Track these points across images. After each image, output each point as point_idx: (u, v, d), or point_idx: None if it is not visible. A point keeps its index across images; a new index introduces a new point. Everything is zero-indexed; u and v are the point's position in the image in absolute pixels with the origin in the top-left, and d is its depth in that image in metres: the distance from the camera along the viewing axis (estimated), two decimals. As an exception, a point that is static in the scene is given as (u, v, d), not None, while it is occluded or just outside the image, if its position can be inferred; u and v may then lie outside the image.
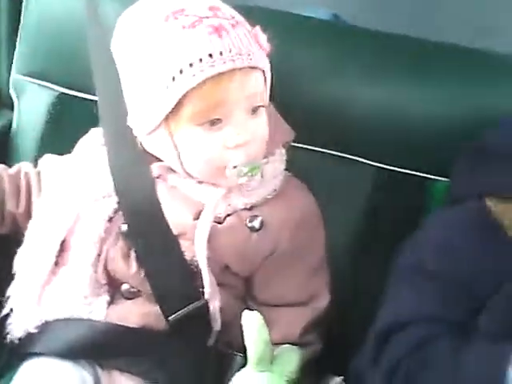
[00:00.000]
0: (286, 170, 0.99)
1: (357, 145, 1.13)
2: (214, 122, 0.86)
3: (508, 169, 0.82)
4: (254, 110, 0.89)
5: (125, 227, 0.91)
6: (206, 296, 0.89)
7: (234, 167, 0.87)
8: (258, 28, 0.90)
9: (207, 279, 0.89)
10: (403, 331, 0.79)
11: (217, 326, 0.91)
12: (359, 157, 1.12)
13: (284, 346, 0.89)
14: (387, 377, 0.78)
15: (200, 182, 0.92)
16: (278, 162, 0.96)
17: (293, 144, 1.03)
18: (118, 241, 0.92)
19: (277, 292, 0.95)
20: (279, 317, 0.92)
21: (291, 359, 0.87)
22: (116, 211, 0.92)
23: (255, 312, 0.82)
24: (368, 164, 1.12)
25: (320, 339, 0.95)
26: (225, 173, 0.88)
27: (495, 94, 1.07)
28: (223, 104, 0.85)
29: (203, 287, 0.89)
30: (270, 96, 0.96)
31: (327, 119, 1.12)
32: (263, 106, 0.90)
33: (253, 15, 1.16)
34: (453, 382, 0.74)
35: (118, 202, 0.92)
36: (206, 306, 0.89)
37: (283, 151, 0.98)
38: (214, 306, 0.90)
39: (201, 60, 0.83)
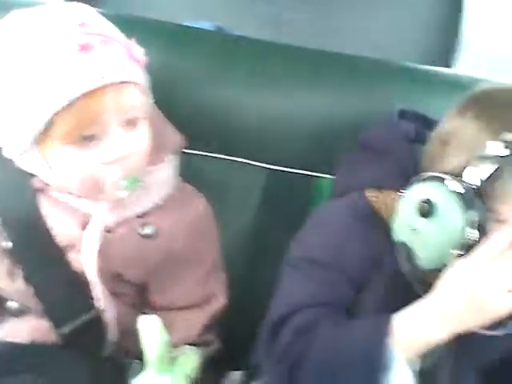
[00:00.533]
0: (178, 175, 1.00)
1: (246, 148, 1.16)
2: (88, 139, 0.84)
3: (383, 163, 0.87)
4: (132, 123, 0.88)
5: (9, 244, 0.89)
6: (100, 306, 0.89)
7: (112, 182, 0.86)
8: (132, 41, 0.90)
9: (99, 289, 0.89)
10: (292, 318, 0.82)
11: (113, 335, 0.91)
12: (250, 160, 1.16)
13: (183, 346, 0.91)
14: (279, 363, 0.81)
15: (80, 196, 0.91)
16: (167, 169, 0.97)
17: (184, 150, 1.05)
18: (3, 258, 0.90)
19: (173, 296, 0.96)
20: (177, 320, 0.93)
21: (191, 359, 0.89)
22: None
23: (151, 315, 0.83)
24: (258, 166, 1.16)
25: (218, 338, 0.98)
26: (104, 188, 0.87)
27: (371, 96, 1.14)
28: (96, 121, 0.84)
29: (95, 298, 0.89)
30: (160, 105, 0.97)
31: (216, 125, 1.15)
32: (143, 118, 0.90)
33: (137, 26, 1.19)
34: (337, 357, 0.77)
35: (1, 220, 0.90)
36: (98, 316, 0.89)
37: (173, 158, 0.99)
38: (109, 315, 0.90)
39: (69, 78, 0.81)
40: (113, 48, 0.85)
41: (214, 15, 1.68)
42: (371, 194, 0.86)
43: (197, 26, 1.64)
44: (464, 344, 0.80)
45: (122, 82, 0.85)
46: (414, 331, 0.76)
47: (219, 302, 0.99)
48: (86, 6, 0.91)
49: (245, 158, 1.16)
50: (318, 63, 1.18)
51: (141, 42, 0.93)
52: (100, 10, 0.95)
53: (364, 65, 1.19)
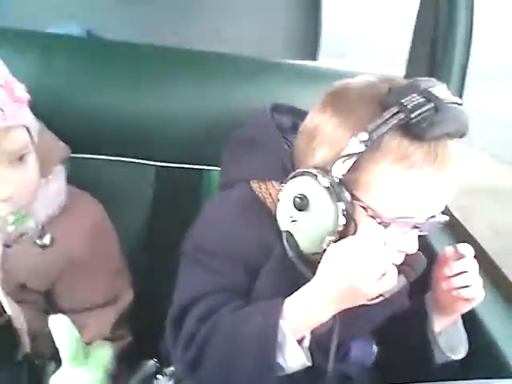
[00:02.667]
0: (68, 182, 1.02)
1: (135, 148, 1.20)
2: None
3: (263, 156, 0.93)
4: (19, 160, 0.89)
5: None
6: (9, 315, 0.91)
7: (1, 218, 0.87)
8: (13, 80, 0.89)
9: (5, 300, 0.90)
10: (193, 308, 0.85)
11: (25, 339, 0.93)
12: (138, 159, 1.21)
13: (96, 342, 0.95)
14: (184, 351, 0.85)
15: None
16: (58, 180, 0.99)
17: (72, 155, 1.07)
18: None
19: (81, 298, 1.00)
20: (88, 320, 0.97)
21: (104, 353, 0.93)
22: None
23: (60, 315, 0.86)
24: (147, 164, 1.21)
25: (131, 331, 1.02)
26: None
27: (251, 91, 1.21)
28: None
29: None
30: (43, 114, 0.98)
31: (102, 128, 1.18)
32: (29, 152, 0.90)
33: (9, 37, 1.19)
34: (236, 340, 0.81)
35: None
36: (8, 323, 0.91)
37: (62, 168, 1.01)
38: (19, 323, 0.92)
39: None
40: None
41: (81, 18, 1.69)
42: (256, 186, 0.91)
43: (66, 30, 1.66)
44: (348, 314, 0.87)
45: (7, 127, 0.85)
46: (303, 312, 0.81)
47: (125, 299, 1.04)
48: None
49: (133, 158, 1.20)
50: (199, 63, 1.25)
51: (15, 54, 0.93)
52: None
53: (243, 63, 1.26)
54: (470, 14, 1.15)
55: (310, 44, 1.90)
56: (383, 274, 0.80)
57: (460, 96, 1.20)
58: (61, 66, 1.18)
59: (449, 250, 0.90)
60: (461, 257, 0.89)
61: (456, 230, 1.17)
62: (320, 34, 1.89)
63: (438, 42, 1.20)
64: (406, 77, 1.22)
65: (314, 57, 1.88)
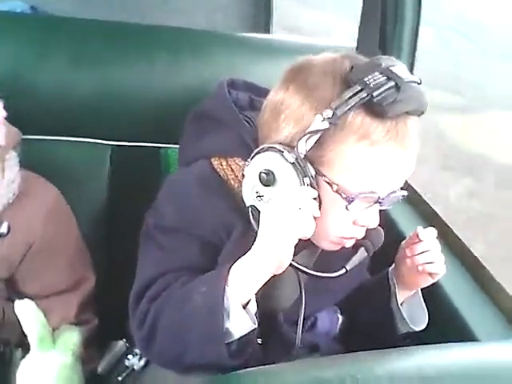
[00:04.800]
0: (21, 166, 1.00)
1: (88, 128, 1.18)
2: None
3: (223, 133, 0.92)
4: None
5: None
6: None
7: None
8: None
9: None
10: (148, 289, 0.86)
11: None
12: (94, 138, 1.18)
13: (63, 326, 0.95)
14: (138, 329, 0.86)
15: None
16: (11, 167, 0.97)
17: (25, 137, 1.04)
18: None
19: (44, 283, 0.99)
20: (52, 305, 0.96)
21: (72, 336, 0.93)
22: None
23: (26, 300, 0.87)
24: (103, 144, 1.19)
25: (96, 314, 1.02)
26: None
27: (205, 67, 1.19)
28: None
29: None
30: None
31: (52, 108, 1.15)
32: None
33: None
34: (183, 312, 0.82)
35: None
36: None
37: (14, 154, 0.99)
38: None
39: None
40: None
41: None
42: (217, 162, 0.92)
43: (10, 6, 1.60)
44: (313, 288, 0.90)
45: None
46: (245, 276, 0.81)
47: (88, 282, 1.04)
48: None
49: (87, 138, 1.18)
50: (149, 37, 1.22)
51: None
52: None
53: (195, 37, 1.25)
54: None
55: (263, 16, 1.89)
56: (302, 224, 0.80)
57: (411, 69, 1.23)
58: (6, 46, 1.14)
59: (413, 233, 0.94)
60: (424, 238, 0.93)
61: (418, 205, 1.21)
62: (273, 7, 1.88)
63: (388, 14, 1.22)
64: (357, 49, 1.24)
65: (267, 30, 1.88)
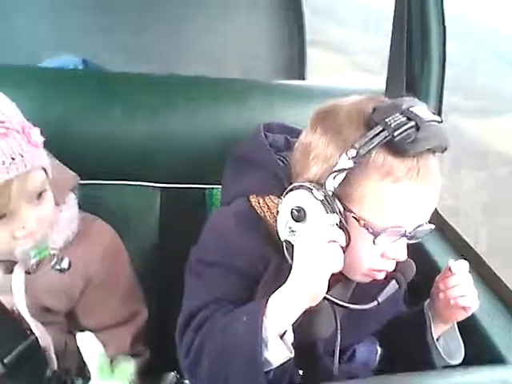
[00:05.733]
0: (79, 209, 1.09)
1: (138, 172, 1.28)
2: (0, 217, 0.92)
3: (259, 173, 1.00)
4: (38, 197, 0.96)
5: None
6: (36, 335, 0.99)
7: (22, 251, 0.95)
8: (28, 125, 0.95)
9: (32, 323, 0.99)
10: (193, 319, 0.93)
11: (52, 358, 1.01)
12: (144, 181, 1.28)
13: (119, 357, 1.02)
14: (184, 358, 0.93)
15: None
16: (71, 208, 1.06)
17: (82, 182, 1.14)
18: None
19: (100, 317, 1.07)
20: (108, 337, 1.03)
21: (128, 366, 1.01)
22: None
23: (87, 332, 0.95)
24: (152, 186, 1.29)
25: (149, 346, 1.10)
26: (15, 255, 0.95)
27: (243, 113, 1.29)
28: (5, 205, 0.91)
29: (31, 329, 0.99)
30: (52, 145, 1.02)
31: (106, 154, 1.25)
32: (46, 190, 0.97)
33: (8, 74, 1.25)
34: (226, 341, 0.88)
35: None
36: (35, 343, 0.99)
37: (73, 196, 1.08)
38: (44, 342, 1.00)
39: None
40: (12, 139, 0.91)
41: (75, 47, 1.77)
42: (254, 200, 0.98)
43: (63, 60, 1.74)
44: (348, 320, 0.96)
45: (26, 171, 0.92)
46: (282, 308, 0.87)
47: (141, 315, 1.12)
48: None
49: (138, 181, 1.28)
50: (191, 88, 1.32)
51: (15, 90, 0.98)
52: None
53: (234, 86, 1.35)
54: (443, 31, 1.24)
55: (297, 64, 1.98)
56: (333, 258, 0.86)
57: (440, 109, 1.29)
58: (63, 99, 1.25)
59: (446, 268, 0.98)
60: (456, 272, 0.97)
61: (450, 236, 1.25)
62: (306, 55, 1.97)
63: (414, 55, 1.28)
64: (386, 90, 1.30)
65: (302, 76, 1.97)
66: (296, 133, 1.05)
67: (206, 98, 1.31)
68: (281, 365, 0.88)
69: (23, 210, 0.94)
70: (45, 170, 0.97)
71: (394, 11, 1.25)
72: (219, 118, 1.29)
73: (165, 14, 1.93)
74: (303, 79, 1.97)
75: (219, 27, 1.94)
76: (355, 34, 4.41)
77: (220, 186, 1.17)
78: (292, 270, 0.88)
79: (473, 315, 1.00)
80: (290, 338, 0.89)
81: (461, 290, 0.97)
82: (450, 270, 0.98)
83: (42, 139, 0.97)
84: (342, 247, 0.88)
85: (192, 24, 1.94)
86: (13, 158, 0.90)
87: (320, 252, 0.86)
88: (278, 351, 0.87)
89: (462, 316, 0.99)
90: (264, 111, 1.29)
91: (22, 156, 0.91)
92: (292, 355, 0.88)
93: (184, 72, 1.37)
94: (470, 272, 0.98)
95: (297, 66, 1.96)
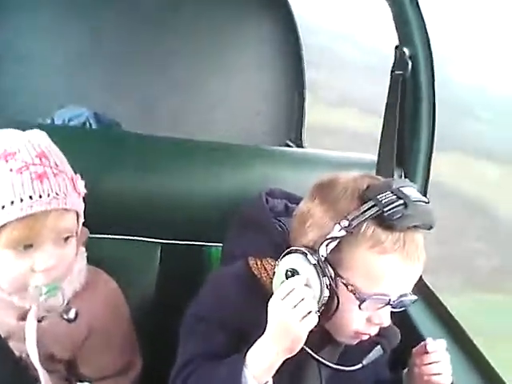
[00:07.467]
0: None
1: (140, 228, 1.35)
2: (26, 247, 0.98)
3: (258, 237, 1.07)
4: (64, 240, 1.02)
5: None
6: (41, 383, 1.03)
7: (36, 287, 1.00)
8: (77, 176, 1.05)
9: (40, 370, 1.03)
10: (182, 371, 1.00)
11: None
12: (145, 237, 1.35)
13: None
14: None
15: (10, 294, 1.03)
16: (81, 260, 1.12)
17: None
18: None
19: (99, 366, 1.13)
20: None
21: None
22: None
23: (85, 383, 1.00)
24: (154, 242, 1.35)
25: None
26: (27, 291, 1.00)
27: (245, 176, 1.38)
28: (36, 236, 0.98)
29: (36, 377, 1.03)
30: None
31: (111, 210, 1.32)
32: (74, 237, 1.04)
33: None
34: None
35: None
36: None
37: (83, 249, 1.14)
38: None
39: (21, 200, 0.96)
40: (61, 179, 1.01)
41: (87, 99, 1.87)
42: (253, 262, 1.05)
43: (75, 112, 1.83)
44: (334, 380, 1.02)
45: (64, 209, 1.00)
46: (261, 359, 0.94)
47: (137, 367, 1.17)
48: (44, 136, 1.04)
49: (140, 236, 1.35)
50: (194, 151, 1.42)
51: None
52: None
53: (235, 151, 1.44)
54: (433, 114, 1.34)
55: (295, 121, 2.10)
56: (303, 317, 0.92)
57: (426, 185, 1.38)
58: (76, 157, 1.32)
59: (422, 344, 1.04)
60: (432, 351, 1.03)
61: (435, 307, 1.31)
62: (304, 121, 2.09)
63: (405, 132, 1.38)
64: (378, 162, 1.39)
65: (300, 142, 2.09)
66: (295, 199, 1.14)
67: (208, 161, 1.40)
68: None
69: (49, 246, 0.99)
70: (78, 217, 1.04)
71: (388, 92, 1.36)
72: (220, 181, 1.37)
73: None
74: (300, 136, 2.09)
75: (223, 99, 2.03)
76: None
77: (218, 245, 1.25)
78: (268, 323, 0.94)
79: None
80: None
81: (436, 368, 1.03)
82: (425, 347, 1.03)
83: (84, 191, 1.05)
84: (330, 309, 0.95)
85: (199, 80, 2.04)
86: (57, 194, 0.98)
87: (287, 311, 0.92)
88: None
89: None
90: (262, 176, 1.37)
91: (66, 195, 1.00)
92: None
93: (192, 131, 1.45)
94: (449, 342, 1.04)
95: (295, 123, 2.07)
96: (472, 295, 3.07)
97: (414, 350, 1.06)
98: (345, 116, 4.70)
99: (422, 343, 1.05)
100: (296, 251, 0.97)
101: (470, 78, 5.22)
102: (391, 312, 0.99)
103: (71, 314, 1.04)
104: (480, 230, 3.63)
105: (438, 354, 1.03)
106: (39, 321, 1.04)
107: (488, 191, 4.02)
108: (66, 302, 1.04)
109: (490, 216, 3.80)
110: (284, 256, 0.98)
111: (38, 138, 1.03)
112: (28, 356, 1.04)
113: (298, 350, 0.94)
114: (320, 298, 0.94)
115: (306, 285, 0.94)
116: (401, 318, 1.03)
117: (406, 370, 1.09)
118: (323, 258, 0.94)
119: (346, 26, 5.70)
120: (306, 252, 0.95)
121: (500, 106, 4.98)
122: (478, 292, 3.13)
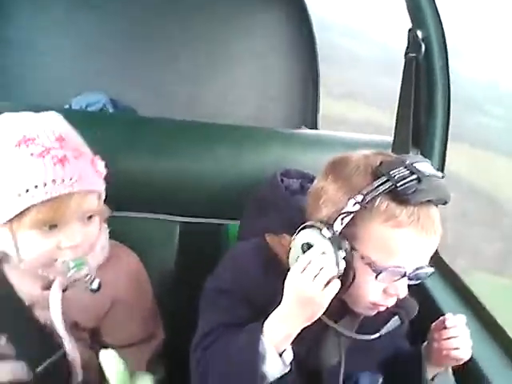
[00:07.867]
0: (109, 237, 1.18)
1: (160, 206, 1.38)
2: (51, 227, 1.02)
3: (275, 214, 1.11)
4: (88, 219, 1.06)
5: None
6: (66, 350, 1.08)
7: (63, 262, 1.03)
8: (97, 157, 1.08)
9: (66, 337, 1.07)
10: (202, 341, 1.03)
11: (77, 372, 1.10)
12: (165, 214, 1.38)
13: (138, 373, 1.10)
14: (195, 370, 1.03)
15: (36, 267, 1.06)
16: (104, 235, 1.15)
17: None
18: None
19: (121, 336, 1.16)
20: (127, 355, 1.10)
21: (147, 381, 1.09)
22: None
23: (109, 349, 1.03)
24: (172, 220, 1.39)
25: (163, 366, 1.19)
26: (55, 265, 1.04)
27: (261, 157, 1.41)
28: (61, 216, 1.01)
29: (60, 344, 1.08)
30: None
31: (132, 189, 1.35)
32: (97, 215, 1.08)
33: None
34: (228, 360, 0.98)
35: None
36: (64, 357, 1.08)
37: (105, 225, 1.17)
38: (73, 356, 1.09)
39: (45, 184, 0.98)
40: (83, 162, 1.04)
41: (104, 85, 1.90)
42: (270, 238, 1.07)
43: (92, 98, 1.86)
44: (353, 349, 1.04)
45: (87, 191, 1.04)
46: (276, 329, 0.97)
47: (158, 338, 1.21)
48: (61, 119, 1.07)
49: (161, 213, 1.38)
50: (213, 133, 1.45)
51: None
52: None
53: (254, 133, 1.47)
54: (448, 93, 1.35)
55: (310, 108, 2.12)
56: (325, 285, 0.95)
57: (443, 164, 1.39)
58: (96, 140, 1.34)
59: (441, 319, 1.06)
60: (451, 326, 1.05)
61: (453, 280, 1.33)
62: (318, 108, 2.11)
63: (421, 111, 1.40)
64: (393, 143, 1.42)
65: (315, 124, 2.11)
66: (309, 178, 1.17)
67: (226, 142, 1.43)
68: (278, 379, 0.97)
69: (74, 225, 1.03)
70: (100, 196, 1.08)
71: (403, 75, 1.38)
72: (238, 162, 1.40)
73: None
74: (315, 121, 2.12)
75: (237, 81, 2.05)
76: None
77: (236, 222, 1.28)
78: (284, 297, 0.96)
79: (471, 358, 1.06)
80: (288, 356, 0.98)
81: (455, 343, 1.05)
82: (444, 322, 1.05)
83: (104, 171, 1.08)
84: (347, 281, 0.97)
85: (213, 65, 2.05)
86: (79, 176, 1.01)
87: (304, 282, 0.95)
88: (274, 365, 0.97)
89: (454, 364, 1.07)
90: (279, 157, 1.40)
91: (87, 177, 1.03)
92: (288, 369, 0.97)
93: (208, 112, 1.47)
94: (468, 316, 1.05)
95: (310, 110, 2.10)
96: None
97: (432, 324, 1.08)
98: (350, 108, 4.70)
99: (441, 318, 1.07)
100: (311, 226, 0.99)
101: (480, 73, 5.21)
102: (409, 286, 1.01)
103: (95, 285, 1.07)
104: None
105: (456, 328, 1.05)
106: (64, 290, 1.08)
107: (494, 181, 4.04)
108: (90, 273, 1.07)
109: (490, 201, 3.85)
110: (299, 231, 1.00)
111: (56, 122, 1.05)
112: (52, 323, 1.08)
113: (317, 317, 0.96)
114: (337, 272, 0.96)
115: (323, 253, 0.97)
116: (419, 291, 1.04)
117: (425, 344, 1.11)
118: (338, 233, 0.97)
119: (358, 21, 5.72)
120: (321, 227, 0.97)
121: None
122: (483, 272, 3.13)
